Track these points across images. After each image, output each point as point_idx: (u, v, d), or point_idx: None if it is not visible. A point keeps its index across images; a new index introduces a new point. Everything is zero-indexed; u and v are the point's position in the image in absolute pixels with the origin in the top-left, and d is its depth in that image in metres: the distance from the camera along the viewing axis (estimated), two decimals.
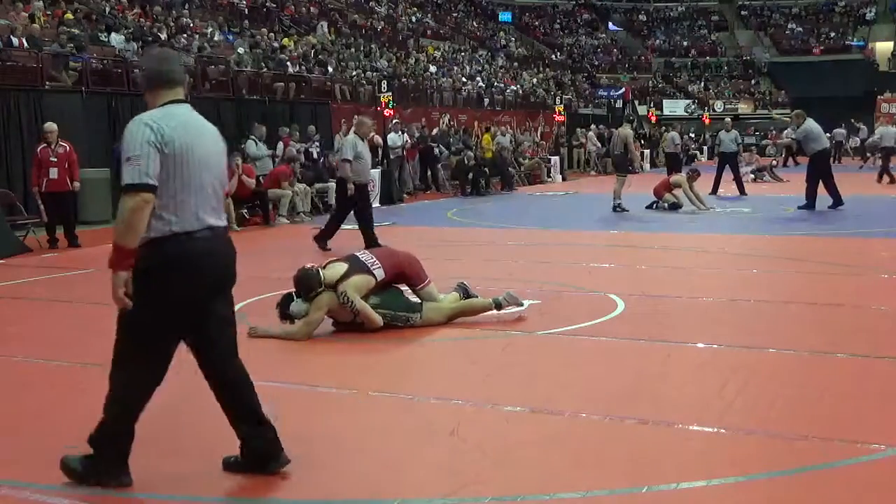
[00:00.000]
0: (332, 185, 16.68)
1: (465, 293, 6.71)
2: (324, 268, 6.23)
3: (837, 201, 14.98)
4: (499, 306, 6.58)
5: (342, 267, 6.17)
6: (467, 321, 6.54)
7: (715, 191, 18.70)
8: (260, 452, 3.67)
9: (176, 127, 3.41)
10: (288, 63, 22.14)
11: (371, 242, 10.68)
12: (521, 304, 6.71)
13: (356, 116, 12.49)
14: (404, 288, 6.58)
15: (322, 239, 11.02)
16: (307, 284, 6.07)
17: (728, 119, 22.24)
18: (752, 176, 22.96)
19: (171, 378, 4.33)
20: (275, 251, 11.50)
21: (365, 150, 11.15)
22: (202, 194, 3.46)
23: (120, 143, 3.59)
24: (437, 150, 22.18)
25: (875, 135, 31.74)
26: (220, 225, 3.57)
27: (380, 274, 6.24)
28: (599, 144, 29.84)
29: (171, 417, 4.50)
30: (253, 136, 16.45)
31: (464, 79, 32.69)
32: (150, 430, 4.27)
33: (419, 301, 6.45)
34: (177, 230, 3.40)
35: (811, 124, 15.40)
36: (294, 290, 6.18)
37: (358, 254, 6.45)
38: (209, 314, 3.60)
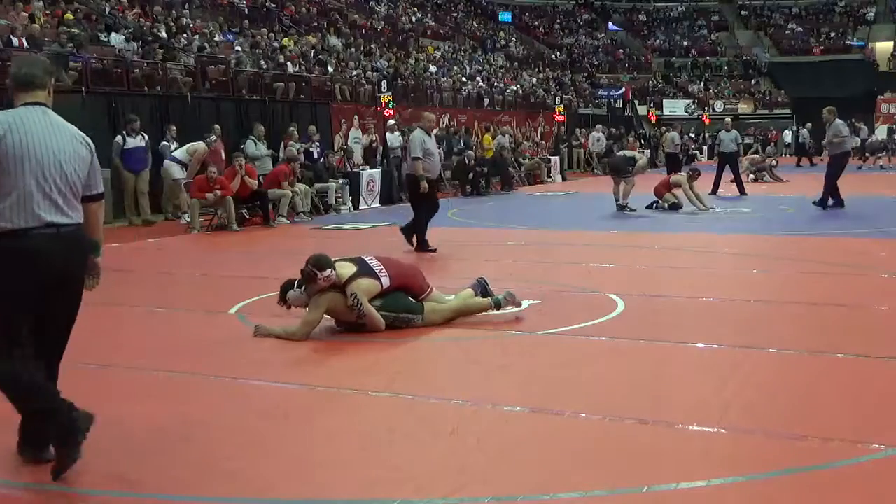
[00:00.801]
0: (332, 184, 16.78)
1: (484, 290, 6.71)
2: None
3: (835, 202, 15.05)
4: (498, 305, 6.59)
5: (350, 268, 6.16)
6: (467, 321, 6.55)
7: (715, 191, 18.70)
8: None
9: (13, 127, 3.61)
10: (288, 63, 22.15)
11: (420, 244, 10.46)
12: (520, 305, 6.73)
13: (422, 113, 12.06)
14: None
15: (420, 244, 10.56)
16: (321, 264, 6.02)
17: (728, 119, 22.24)
18: (753, 176, 22.96)
19: (171, 384, 4.36)
20: (275, 251, 11.50)
21: (433, 146, 10.86)
22: (41, 193, 3.60)
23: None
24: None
25: (875, 135, 31.80)
26: (65, 223, 3.68)
27: (385, 282, 6.24)
28: (605, 142, 29.85)
29: (170, 420, 4.50)
30: (252, 137, 16.45)
31: (464, 79, 32.70)
32: (151, 432, 4.28)
33: (420, 303, 6.46)
34: (10, 227, 3.56)
35: (843, 125, 15.46)
36: (299, 278, 6.16)
37: (365, 258, 6.39)
38: (46, 308, 3.70)
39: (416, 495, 3.46)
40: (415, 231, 10.72)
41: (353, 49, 29.07)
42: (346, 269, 6.14)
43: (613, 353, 5.77)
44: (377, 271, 6.23)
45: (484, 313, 6.63)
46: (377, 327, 6.17)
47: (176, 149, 15.14)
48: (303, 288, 6.12)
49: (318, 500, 3.51)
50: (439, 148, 21.99)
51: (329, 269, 6.02)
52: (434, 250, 10.47)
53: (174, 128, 15.69)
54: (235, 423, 4.39)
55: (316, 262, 6.04)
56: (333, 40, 28.60)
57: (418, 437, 4.17)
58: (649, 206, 15.92)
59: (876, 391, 4.80)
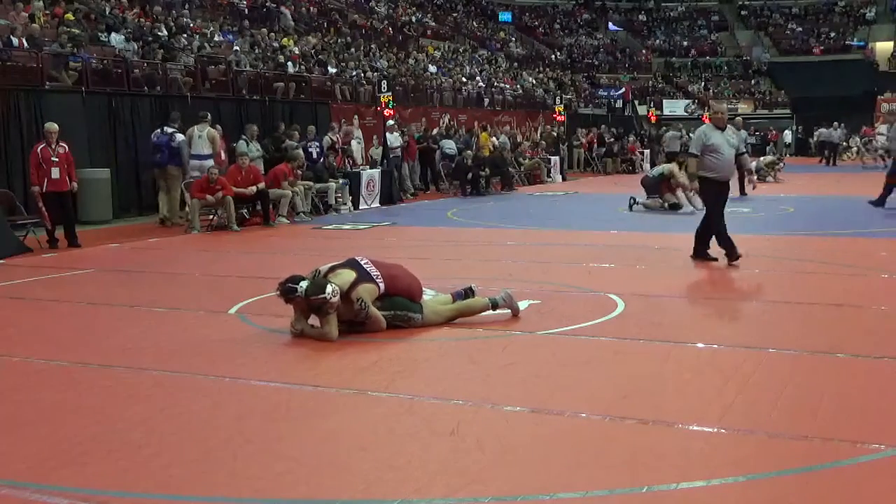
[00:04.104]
0: (332, 184, 16.75)
1: (466, 297, 6.70)
2: (324, 276, 6.22)
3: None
4: (495, 305, 6.60)
5: (350, 274, 6.19)
6: (467, 321, 6.55)
7: None
8: None
9: None
10: (288, 63, 22.14)
11: (699, 252, 9.56)
12: (518, 308, 6.71)
13: (711, 103, 11.27)
14: None
15: (699, 252, 9.60)
16: (320, 287, 6.01)
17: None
18: (756, 176, 22.90)
19: (171, 384, 4.35)
20: (275, 251, 11.50)
21: (721, 141, 9.27)
22: None
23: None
24: (437, 154, 22.20)
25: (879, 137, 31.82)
26: None
27: (381, 286, 6.30)
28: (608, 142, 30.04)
29: (171, 420, 4.51)
30: (244, 136, 16.34)
31: (464, 79, 32.70)
32: (151, 432, 4.28)
33: (419, 303, 6.47)
34: None
35: None
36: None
37: (360, 260, 6.41)
38: None
39: (416, 495, 3.46)
40: (709, 236, 9.59)
41: (352, 49, 29.07)
42: (347, 276, 6.17)
43: (613, 353, 5.77)
44: (374, 276, 6.29)
45: (482, 313, 6.63)
46: (379, 327, 6.21)
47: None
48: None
49: (318, 500, 3.51)
50: (440, 150, 22.19)
51: (329, 287, 6.01)
52: (715, 259, 9.41)
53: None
54: (235, 422, 4.39)
55: (315, 289, 5.99)
56: (313, 39, 28.53)
57: (418, 437, 4.17)
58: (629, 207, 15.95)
59: (876, 391, 4.80)
